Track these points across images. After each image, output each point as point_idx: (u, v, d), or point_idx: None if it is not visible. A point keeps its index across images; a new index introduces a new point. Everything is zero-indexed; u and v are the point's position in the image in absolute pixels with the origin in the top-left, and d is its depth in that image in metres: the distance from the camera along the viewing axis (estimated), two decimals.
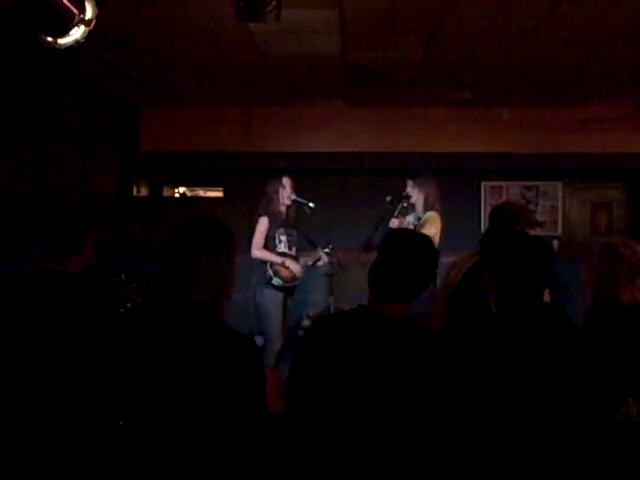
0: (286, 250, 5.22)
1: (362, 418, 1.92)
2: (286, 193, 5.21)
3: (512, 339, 2.16)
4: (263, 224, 5.16)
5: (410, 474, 1.93)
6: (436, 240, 5.18)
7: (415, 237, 2.13)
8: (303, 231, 5.47)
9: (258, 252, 5.16)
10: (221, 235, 1.96)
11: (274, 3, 3.54)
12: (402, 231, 2.12)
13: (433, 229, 5.02)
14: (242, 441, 1.80)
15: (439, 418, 1.95)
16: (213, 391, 1.80)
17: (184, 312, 1.85)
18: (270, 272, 5.08)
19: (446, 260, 5.49)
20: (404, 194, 5.42)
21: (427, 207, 5.27)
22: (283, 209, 5.23)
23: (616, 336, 2.72)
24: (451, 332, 3.20)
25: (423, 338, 2.02)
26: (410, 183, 5.35)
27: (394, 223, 5.36)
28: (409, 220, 5.34)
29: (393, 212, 5.48)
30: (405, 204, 5.42)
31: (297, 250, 5.34)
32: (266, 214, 5.16)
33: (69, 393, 1.99)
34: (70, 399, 1.99)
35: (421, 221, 5.23)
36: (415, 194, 5.29)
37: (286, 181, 5.25)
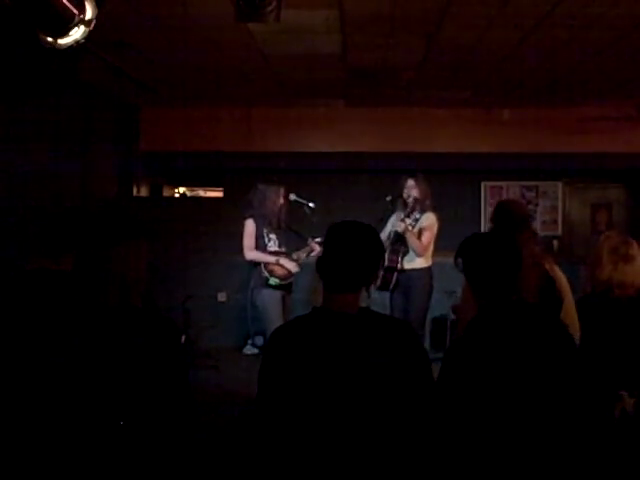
0: (277, 248, 5.23)
1: (333, 424, 1.93)
2: (282, 203, 5.25)
3: (493, 339, 2.17)
4: (250, 225, 5.18)
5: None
6: (432, 239, 5.20)
7: (359, 227, 2.14)
8: (290, 225, 5.43)
9: (252, 254, 5.17)
10: (128, 232, 2.14)
11: (274, 3, 3.53)
12: (347, 223, 2.14)
13: (434, 229, 5.22)
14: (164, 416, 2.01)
15: (417, 413, 1.98)
16: (138, 372, 1.99)
17: (99, 303, 2.06)
18: (265, 273, 5.10)
19: (446, 260, 5.56)
20: (405, 196, 5.38)
21: (424, 208, 5.26)
22: (273, 213, 5.24)
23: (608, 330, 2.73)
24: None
25: (385, 329, 2.06)
26: (411, 183, 5.30)
27: (400, 227, 5.18)
28: (408, 222, 5.27)
29: (391, 213, 5.44)
30: (409, 206, 5.26)
31: (287, 246, 5.33)
32: (252, 216, 5.18)
33: (66, 393, 1.99)
34: (66, 400, 2.00)
35: (419, 223, 5.23)
36: (415, 193, 5.26)
37: (288, 197, 5.29)
